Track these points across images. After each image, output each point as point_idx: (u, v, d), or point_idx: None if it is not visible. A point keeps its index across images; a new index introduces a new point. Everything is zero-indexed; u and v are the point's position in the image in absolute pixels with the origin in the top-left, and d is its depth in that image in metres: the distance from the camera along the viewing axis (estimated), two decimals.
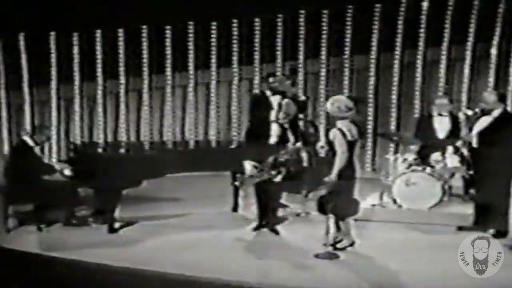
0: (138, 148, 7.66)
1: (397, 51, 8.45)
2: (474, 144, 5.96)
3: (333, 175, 5.31)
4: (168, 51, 8.74)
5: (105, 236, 6.08)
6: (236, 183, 5.98)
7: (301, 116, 6.74)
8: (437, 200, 6.54)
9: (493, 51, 8.23)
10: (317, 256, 5.45)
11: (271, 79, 6.77)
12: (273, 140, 6.14)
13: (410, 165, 6.75)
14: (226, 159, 6.21)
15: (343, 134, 5.28)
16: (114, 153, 6.97)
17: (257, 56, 8.62)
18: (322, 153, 5.78)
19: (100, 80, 8.73)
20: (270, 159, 5.80)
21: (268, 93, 6.69)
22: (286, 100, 6.33)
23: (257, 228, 6.15)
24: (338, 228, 5.59)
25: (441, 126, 6.91)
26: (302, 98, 6.81)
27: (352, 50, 8.46)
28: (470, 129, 5.97)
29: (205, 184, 7.36)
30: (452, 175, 6.80)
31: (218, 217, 6.36)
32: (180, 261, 5.33)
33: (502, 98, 6.06)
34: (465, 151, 6.27)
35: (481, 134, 5.91)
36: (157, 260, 5.37)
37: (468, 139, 6.00)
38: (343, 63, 8.56)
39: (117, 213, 6.23)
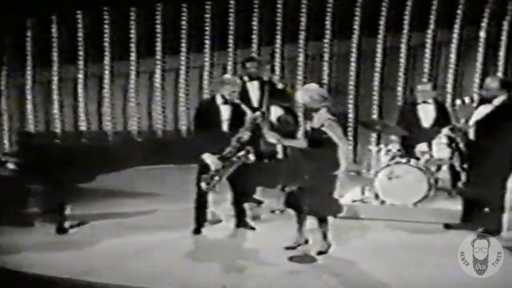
0: (101, 138, 7.42)
1: (380, 36, 8.17)
2: (471, 134, 5.49)
3: (343, 168, 4.83)
4: (133, 34, 8.31)
5: (52, 237, 5.53)
6: (203, 187, 5.35)
7: (277, 102, 6.37)
8: (423, 195, 6.11)
9: (482, 34, 7.92)
10: (291, 259, 4.98)
11: (248, 64, 6.39)
12: (225, 125, 5.47)
13: (393, 157, 6.33)
14: (200, 147, 5.61)
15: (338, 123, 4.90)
16: (73, 143, 6.77)
17: (231, 40, 8.30)
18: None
19: (56, 65, 8.25)
20: (233, 141, 5.31)
21: (245, 78, 6.31)
22: (226, 75, 5.88)
23: (195, 232, 5.62)
24: (300, 228, 5.12)
25: (426, 115, 6.49)
26: (280, 85, 6.44)
27: (332, 34, 8.22)
28: (467, 119, 5.51)
29: (174, 178, 6.90)
30: (439, 167, 6.36)
31: (185, 214, 5.77)
32: (136, 269, 4.79)
33: (505, 85, 5.51)
34: (460, 142, 5.77)
35: (479, 124, 5.44)
36: (110, 267, 4.82)
37: (464, 128, 5.51)
38: (323, 48, 8.29)
39: (67, 211, 5.68)
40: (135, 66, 8.34)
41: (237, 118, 5.41)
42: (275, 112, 6.41)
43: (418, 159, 6.27)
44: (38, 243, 5.29)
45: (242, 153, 5.29)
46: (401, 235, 5.66)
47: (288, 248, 5.06)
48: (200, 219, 5.64)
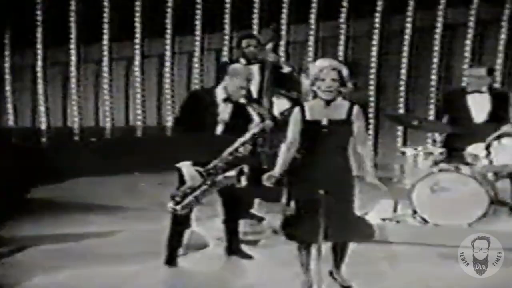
0: (65, 136, 6.82)
1: (409, 13, 7.18)
2: None
3: (370, 176, 3.87)
4: (106, 14, 7.32)
5: None
6: (169, 207, 4.24)
7: (283, 92, 5.50)
8: (481, 212, 4.81)
9: None
10: None
11: (244, 42, 5.50)
12: (221, 128, 4.39)
13: (436, 162, 5.14)
14: (185, 152, 4.55)
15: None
16: (28, 143, 6.12)
17: (227, 21, 7.41)
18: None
19: (8, 50, 7.28)
20: (224, 154, 4.24)
21: (241, 61, 5.40)
22: (238, 65, 4.76)
23: (168, 262, 4.42)
24: (307, 267, 3.97)
25: (479, 107, 5.32)
26: (287, 69, 5.57)
27: (349, 12, 7.28)
28: None
29: (151, 187, 5.91)
30: (497, 176, 5.08)
31: (160, 236, 4.54)
32: None
33: None
34: None
35: None
36: None
37: None
38: (338, 29, 7.36)
39: None
40: (108, 51, 7.38)
41: (239, 121, 4.36)
42: (279, 104, 5.49)
43: (470, 164, 5.02)
44: None
45: (232, 173, 4.22)
46: (456, 267, 4.20)
47: None
48: (175, 245, 4.43)
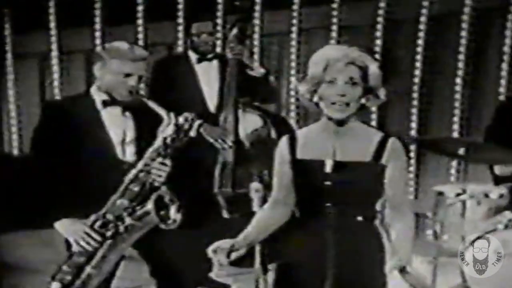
0: None
1: None
2: None
3: (405, 259, 2.47)
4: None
5: None
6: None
7: (253, 103, 4.64)
8: None
9: None
10: None
11: (195, 28, 4.64)
12: (130, 153, 3.20)
13: (491, 210, 4.05)
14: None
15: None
16: None
17: (180, 6, 6.24)
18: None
19: None
20: (126, 180, 3.03)
21: (191, 56, 4.61)
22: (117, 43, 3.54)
23: None
24: None
25: None
26: (260, 70, 4.74)
27: None
28: None
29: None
30: None
31: None
32: None
33: None
34: None
35: None
36: None
37: None
38: (329, 16, 6.29)
39: None
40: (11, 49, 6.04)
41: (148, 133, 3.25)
42: (248, 122, 4.66)
43: None
44: None
45: (148, 207, 2.97)
46: None
47: None
48: None
